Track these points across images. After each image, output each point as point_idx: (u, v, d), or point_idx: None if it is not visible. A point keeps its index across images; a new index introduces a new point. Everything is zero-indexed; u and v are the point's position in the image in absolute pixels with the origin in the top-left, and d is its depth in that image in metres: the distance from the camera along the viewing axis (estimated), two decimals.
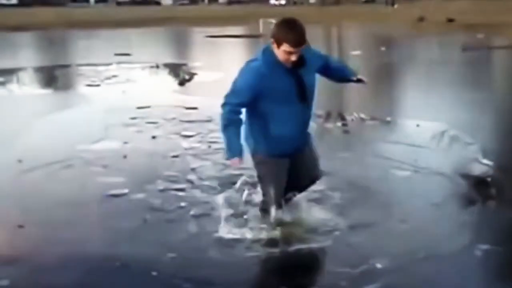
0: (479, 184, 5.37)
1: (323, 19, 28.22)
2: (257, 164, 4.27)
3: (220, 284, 3.73)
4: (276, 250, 4.06)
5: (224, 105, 4.11)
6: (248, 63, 4.11)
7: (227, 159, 4.16)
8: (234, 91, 4.08)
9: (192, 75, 13.20)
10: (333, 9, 32.94)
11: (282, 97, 3.97)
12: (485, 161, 5.90)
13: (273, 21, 18.35)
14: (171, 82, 12.89)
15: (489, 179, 5.44)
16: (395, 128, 7.61)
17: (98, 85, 11.59)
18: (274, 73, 3.94)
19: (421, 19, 27.81)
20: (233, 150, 4.01)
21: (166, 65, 14.82)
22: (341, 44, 21.98)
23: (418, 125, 7.40)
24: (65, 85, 12.52)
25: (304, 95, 4.03)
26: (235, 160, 4.01)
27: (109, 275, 3.83)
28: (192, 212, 4.70)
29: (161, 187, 5.27)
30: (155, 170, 5.73)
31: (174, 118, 8.10)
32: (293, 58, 3.90)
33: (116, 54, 16.51)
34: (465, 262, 3.91)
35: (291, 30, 3.86)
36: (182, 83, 12.47)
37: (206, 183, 5.37)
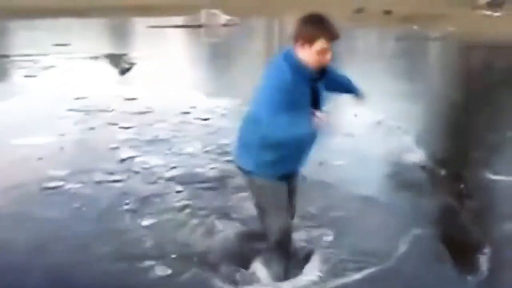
0: (413, 171, 5.57)
1: (263, 10, 28.30)
2: (258, 189, 3.62)
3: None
4: None
5: (274, 122, 3.36)
6: (276, 73, 3.43)
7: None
8: (278, 105, 3.34)
9: (132, 65, 13.05)
10: (274, 0, 33.11)
11: (300, 107, 3.38)
12: (419, 149, 6.11)
13: (216, 11, 18.18)
14: (111, 72, 12.72)
15: (422, 166, 5.64)
16: (333, 118, 7.73)
17: (35, 76, 11.35)
18: (299, 82, 3.39)
19: (359, 10, 28.20)
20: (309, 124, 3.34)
21: (106, 56, 14.62)
22: (281, 37, 22.11)
23: (356, 115, 7.56)
24: (1, 76, 12.22)
25: (317, 107, 3.48)
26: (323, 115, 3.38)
27: (36, 266, 3.81)
28: (128, 205, 4.70)
29: (97, 179, 5.24)
30: (92, 161, 5.69)
31: (113, 109, 8.03)
32: (329, 56, 3.43)
33: (55, 45, 16.18)
34: (400, 246, 4.02)
35: (325, 23, 3.38)
36: (122, 73, 12.34)
37: (146, 174, 5.37)
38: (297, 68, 3.40)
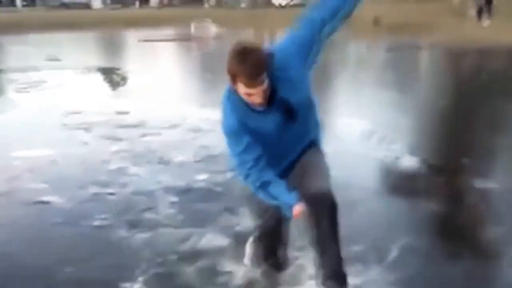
0: (403, 179, 5.63)
1: (254, 23, 28.43)
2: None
3: None
4: None
5: (240, 173, 3.20)
6: (222, 118, 3.17)
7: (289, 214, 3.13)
8: (234, 151, 3.15)
9: (124, 79, 13.12)
10: (264, 13, 33.23)
11: (262, 138, 3.11)
12: (409, 158, 6.18)
13: (206, 24, 18.21)
14: (103, 86, 12.77)
15: (413, 175, 5.70)
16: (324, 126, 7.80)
17: (27, 91, 11.38)
18: (248, 117, 3.08)
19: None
20: (289, 200, 3.08)
21: (98, 69, 14.67)
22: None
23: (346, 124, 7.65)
24: None
25: (292, 118, 3.15)
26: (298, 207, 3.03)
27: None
28: (124, 217, 4.73)
29: (92, 191, 5.27)
30: (85, 175, 5.72)
31: (105, 123, 8.06)
32: (257, 99, 3.00)
33: (47, 59, 16.22)
34: (385, 254, 4.03)
35: (244, 62, 2.90)
36: (114, 87, 12.39)
37: (138, 187, 5.41)
38: (239, 105, 3.06)
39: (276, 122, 3.11)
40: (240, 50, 2.94)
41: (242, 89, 2.96)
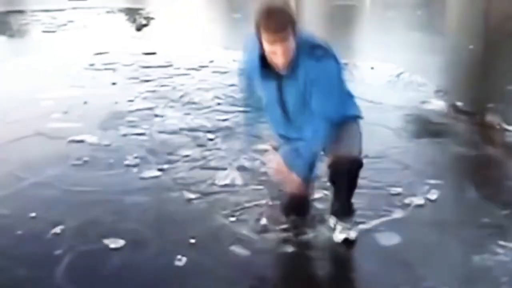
0: (431, 122, 5.62)
1: None
2: None
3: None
4: None
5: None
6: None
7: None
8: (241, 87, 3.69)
9: (149, 20, 13.07)
10: None
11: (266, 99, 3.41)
12: (438, 101, 6.15)
13: None
14: (128, 27, 12.74)
15: (440, 118, 5.69)
16: (350, 70, 7.75)
17: (54, 31, 11.41)
18: (256, 70, 3.26)
19: None
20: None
21: (122, 10, 14.61)
22: None
23: (372, 68, 7.59)
24: (20, 31, 12.28)
25: (284, 108, 3.35)
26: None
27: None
28: (154, 157, 4.81)
29: (123, 132, 5.35)
30: (116, 115, 5.79)
31: (132, 64, 8.09)
32: (279, 59, 3.06)
33: (70, 0, 16.18)
34: (413, 196, 4.06)
35: (268, 20, 2.96)
36: (139, 28, 12.36)
37: (169, 127, 5.46)
38: (256, 54, 3.16)
39: (272, 91, 3.29)
40: (268, 6, 3.00)
41: (266, 46, 3.03)
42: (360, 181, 3.44)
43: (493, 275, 3.21)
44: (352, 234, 3.52)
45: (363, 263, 3.42)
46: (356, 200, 3.58)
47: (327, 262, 3.47)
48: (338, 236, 3.52)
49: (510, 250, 3.43)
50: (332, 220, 3.62)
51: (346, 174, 3.33)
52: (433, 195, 4.06)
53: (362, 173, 3.38)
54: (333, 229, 3.58)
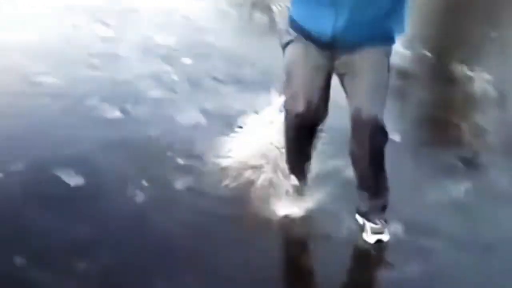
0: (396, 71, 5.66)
1: None
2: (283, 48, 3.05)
3: None
4: None
5: None
6: None
7: None
8: None
9: None
10: None
11: None
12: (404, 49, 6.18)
13: None
14: None
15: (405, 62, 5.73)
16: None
17: None
18: None
19: None
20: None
21: None
22: None
23: None
24: None
25: None
26: None
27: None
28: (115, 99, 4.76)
29: (85, 73, 5.27)
30: (78, 58, 5.70)
31: (97, 6, 7.86)
32: None
33: None
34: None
35: None
36: None
37: (130, 70, 5.40)
38: None
39: None
40: None
41: None
42: None
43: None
44: (385, 237, 3.13)
45: None
46: None
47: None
48: (369, 238, 3.13)
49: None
50: (359, 218, 3.20)
51: (368, 151, 2.84)
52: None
53: None
54: (362, 228, 3.17)
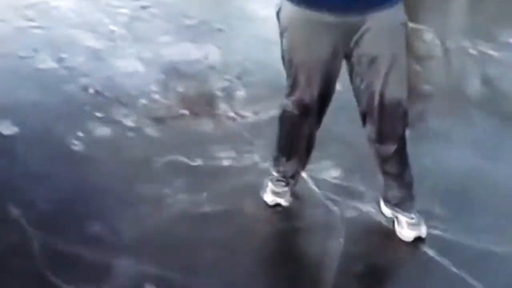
0: None
1: None
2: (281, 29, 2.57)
3: None
4: None
5: None
6: None
7: None
8: None
9: None
10: None
11: None
12: None
13: None
14: None
15: None
16: None
17: None
18: None
19: None
20: None
21: None
22: None
23: None
24: None
25: None
26: None
27: None
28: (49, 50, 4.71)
29: (17, 25, 5.17)
30: (11, 8, 5.55)
31: None
32: None
33: None
34: None
35: None
36: None
37: (68, 20, 5.31)
38: None
39: None
40: None
41: None
42: None
43: None
44: (423, 230, 2.83)
45: None
46: None
47: None
48: (406, 234, 2.82)
49: None
50: (386, 209, 2.92)
51: (400, 138, 2.66)
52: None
53: None
54: (396, 223, 2.86)
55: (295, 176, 2.98)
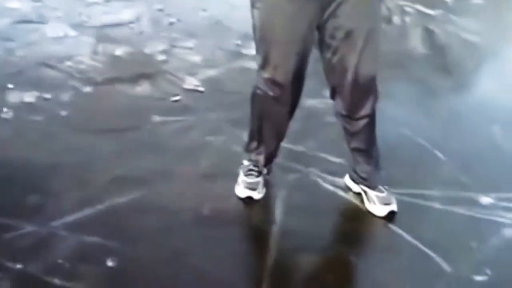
0: None
1: None
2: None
3: None
4: None
5: None
6: None
7: None
8: None
9: None
10: None
11: None
12: None
13: None
14: None
15: None
16: None
17: None
18: None
19: None
20: None
21: None
22: None
23: None
24: None
25: None
26: None
27: None
28: None
29: None
30: None
31: None
32: None
33: None
34: None
35: None
36: None
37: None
38: None
39: None
40: None
41: None
42: None
43: None
44: (395, 206, 2.73)
45: None
46: None
47: None
48: (379, 210, 2.71)
49: None
50: (354, 185, 2.84)
51: (370, 113, 2.58)
52: None
53: None
54: (365, 199, 2.77)
55: (267, 164, 2.82)
